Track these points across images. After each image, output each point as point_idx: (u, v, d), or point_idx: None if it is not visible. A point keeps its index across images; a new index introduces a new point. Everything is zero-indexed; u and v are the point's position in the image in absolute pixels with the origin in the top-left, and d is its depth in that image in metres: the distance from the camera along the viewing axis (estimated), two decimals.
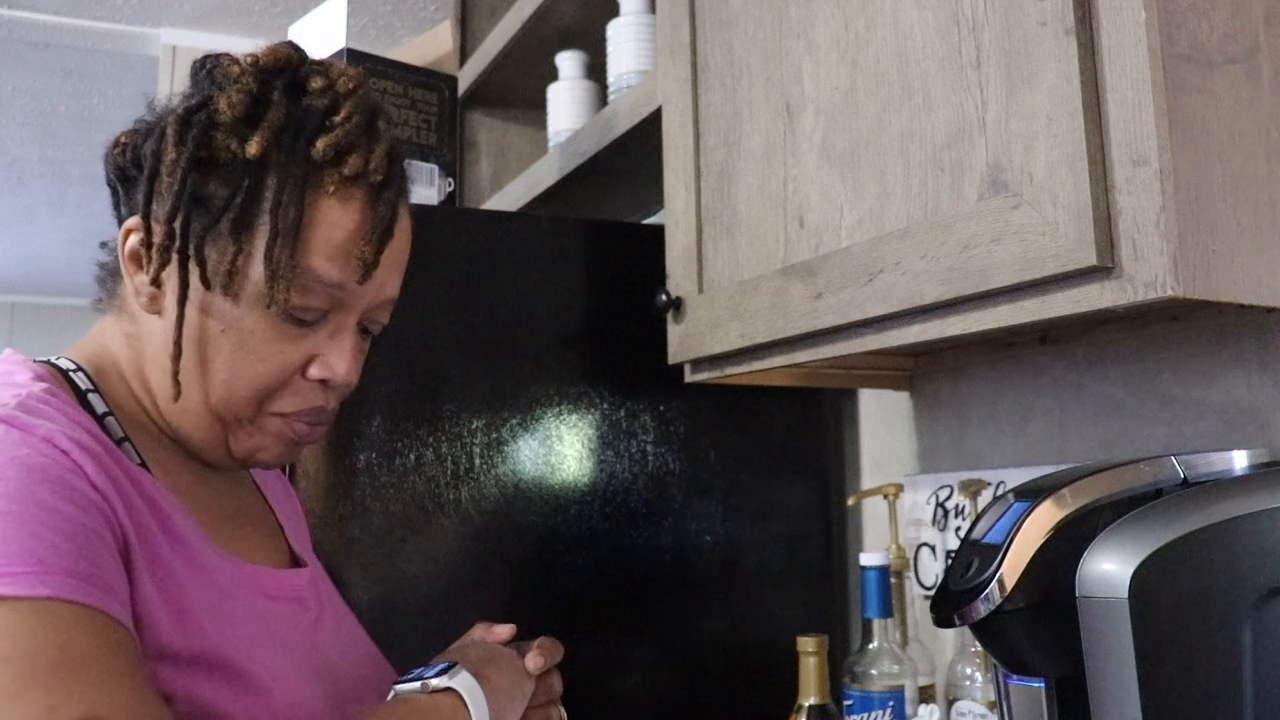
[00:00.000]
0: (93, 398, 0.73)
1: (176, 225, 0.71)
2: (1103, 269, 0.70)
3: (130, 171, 0.76)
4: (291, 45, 0.76)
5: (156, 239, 0.72)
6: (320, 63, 0.77)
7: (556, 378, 1.27)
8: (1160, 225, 0.67)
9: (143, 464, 0.72)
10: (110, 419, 0.72)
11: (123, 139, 0.77)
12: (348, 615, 0.88)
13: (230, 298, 0.72)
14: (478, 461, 1.22)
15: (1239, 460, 0.76)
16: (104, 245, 0.80)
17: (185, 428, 0.75)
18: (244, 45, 2.39)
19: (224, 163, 0.71)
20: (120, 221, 0.77)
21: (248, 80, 0.73)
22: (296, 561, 0.86)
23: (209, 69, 0.76)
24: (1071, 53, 0.71)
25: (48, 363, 0.74)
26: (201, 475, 0.80)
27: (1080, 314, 0.73)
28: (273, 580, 0.78)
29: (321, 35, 1.42)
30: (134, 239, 0.74)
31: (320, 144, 0.72)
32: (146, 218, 0.73)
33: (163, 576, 0.66)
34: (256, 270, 0.71)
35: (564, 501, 1.26)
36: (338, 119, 0.74)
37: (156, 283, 0.72)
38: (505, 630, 0.89)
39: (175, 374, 0.72)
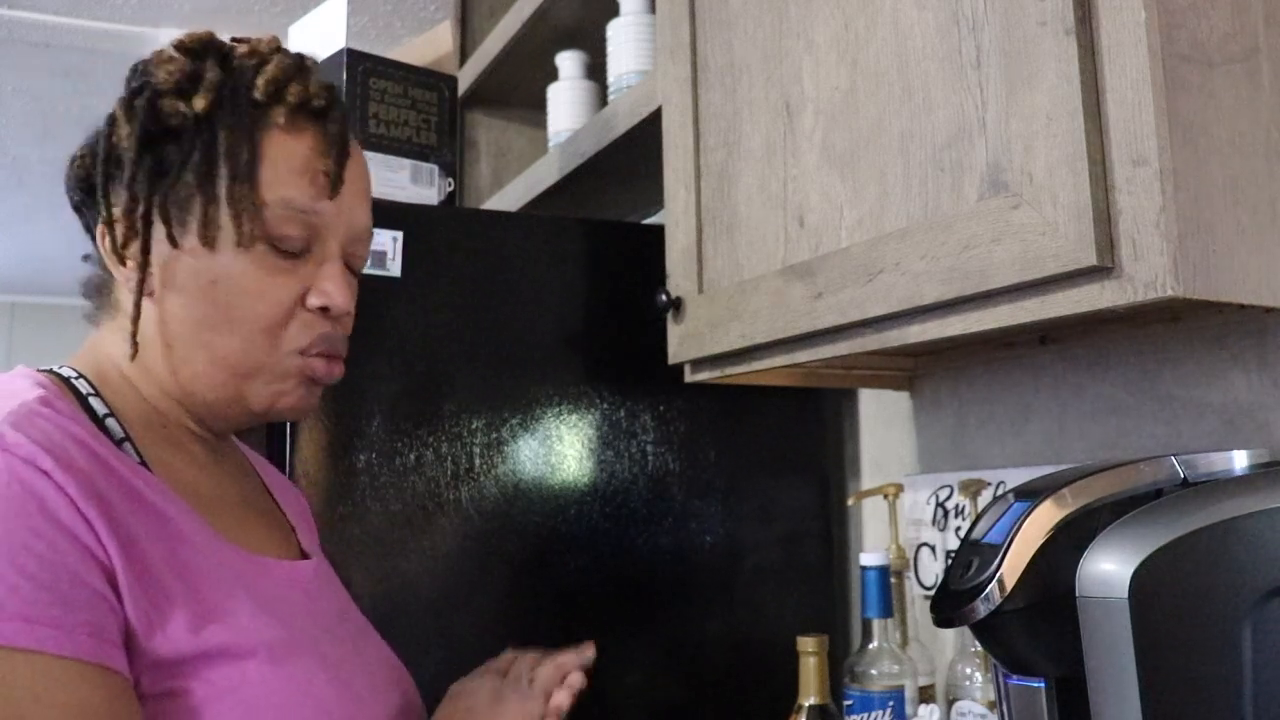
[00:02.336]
0: (94, 401, 0.74)
1: (139, 190, 0.74)
2: (1103, 269, 0.70)
3: (93, 177, 0.78)
4: (209, 31, 0.81)
5: (119, 209, 0.75)
6: (239, 37, 0.81)
7: (556, 378, 1.27)
8: (1160, 225, 0.67)
9: (143, 463, 0.72)
10: (111, 420, 0.73)
11: (78, 153, 0.80)
12: (356, 612, 0.88)
13: (210, 249, 0.75)
14: (478, 461, 1.22)
15: (1239, 460, 0.76)
16: (87, 258, 0.82)
17: (202, 393, 0.77)
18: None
19: (174, 127, 0.75)
20: (94, 235, 0.80)
21: (179, 57, 0.77)
22: (304, 556, 0.87)
23: (140, 65, 0.80)
24: (1071, 53, 0.71)
25: (50, 372, 0.75)
26: (207, 468, 0.80)
27: (1080, 314, 0.73)
28: (280, 571, 0.78)
29: (321, 35, 1.42)
30: (109, 231, 0.76)
31: (259, 83, 0.76)
32: (109, 202, 0.76)
33: (159, 583, 0.66)
34: (226, 214, 0.75)
35: (564, 501, 1.26)
36: (269, 64, 0.78)
37: (138, 260, 0.74)
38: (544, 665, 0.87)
39: (134, 335, 0.75)
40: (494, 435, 1.23)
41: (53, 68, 2.72)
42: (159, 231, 0.75)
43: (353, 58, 1.36)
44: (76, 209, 0.82)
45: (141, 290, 0.75)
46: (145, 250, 0.75)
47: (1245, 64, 0.75)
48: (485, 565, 1.21)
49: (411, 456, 1.19)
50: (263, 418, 0.81)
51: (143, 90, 0.76)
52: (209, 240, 0.75)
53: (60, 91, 2.88)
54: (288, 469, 1.13)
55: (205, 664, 0.66)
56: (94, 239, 0.80)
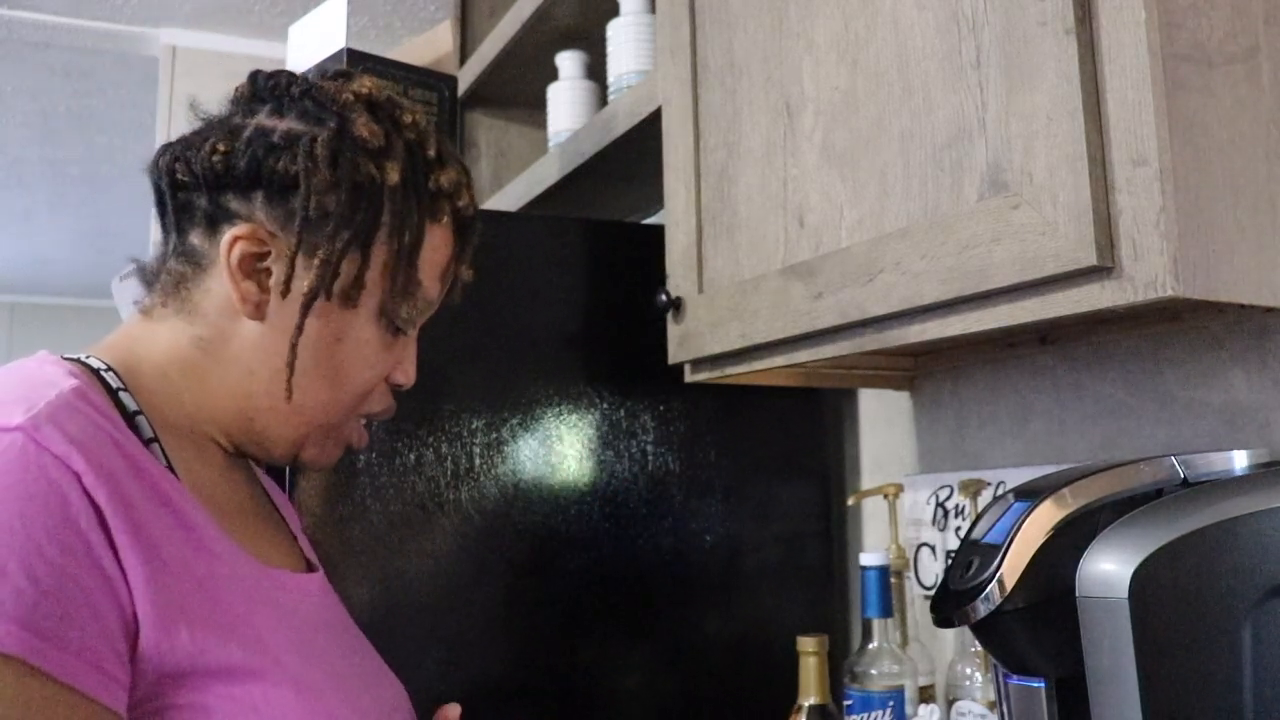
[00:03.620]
0: (124, 396, 0.72)
1: (335, 243, 0.76)
2: (1103, 269, 0.70)
3: (234, 179, 0.76)
4: (370, 77, 0.84)
5: (303, 252, 0.76)
6: (390, 97, 0.83)
7: (556, 378, 1.27)
8: (1160, 225, 0.67)
9: (169, 465, 0.71)
10: (141, 418, 0.72)
11: (220, 145, 0.77)
12: (355, 626, 0.88)
13: (350, 308, 0.78)
14: (478, 461, 1.22)
15: (1239, 460, 0.76)
16: (180, 251, 0.79)
17: (266, 426, 0.78)
18: (244, 45, 2.39)
19: (365, 186, 0.77)
20: (175, 226, 0.79)
21: (363, 111, 0.79)
22: (310, 568, 0.86)
23: (305, 91, 0.79)
24: (1071, 53, 0.71)
25: (78, 361, 0.73)
26: (225, 476, 0.79)
27: (1080, 314, 0.73)
28: (293, 584, 0.78)
29: (321, 35, 1.42)
30: (246, 246, 0.75)
31: (443, 178, 0.81)
32: (294, 234, 0.76)
33: (179, 593, 0.65)
34: (377, 284, 0.78)
35: (564, 501, 1.26)
36: (443, 155, 0.82)
37: (286, 292, 0.76)
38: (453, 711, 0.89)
39: (289, 377, 0.77)
40: (494, 435, 1.23)
41: (53, 68, 2.72)
42: (312, 275, 0.76)
43: (353, 58, 1.36)
44: (175, 189, 0.79)
45: (300, 333, 0.76)
46: (314, 296, 0.76)
47: (1245, 64, 0.75)
48: (485, 565, 1.21)
49: (411, 456, 1.19)
50: (296, 465, 0.83)
51: (343, 136, 0.77)
52: (353, 300, 0.77)
53: (60, 91, 2.88)
54: (287, 470, 1.13)
55: (224, 678, 0.65)
56: (179, 228, 0.78)
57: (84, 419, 0.65)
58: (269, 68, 0.83)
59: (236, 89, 0.82)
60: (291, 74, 0.81)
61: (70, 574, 0.59)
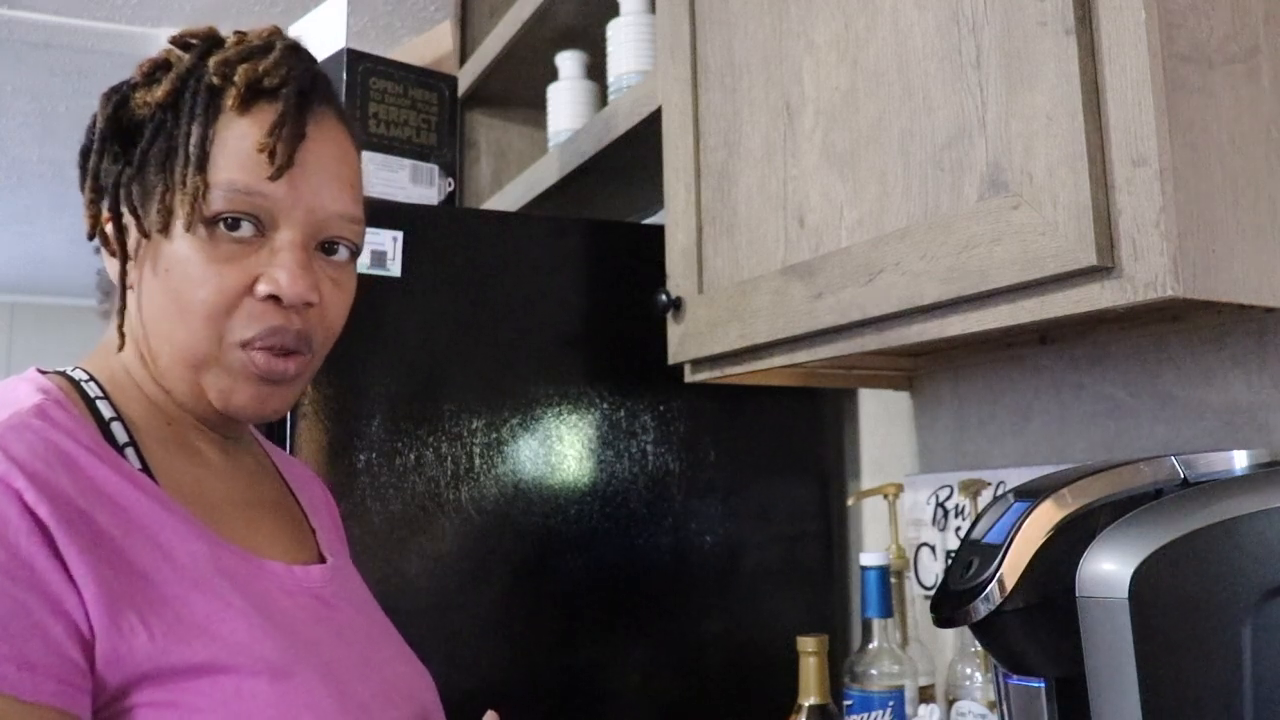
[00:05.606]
0: (101, 405, 0.73)
1: (105, 179, 0.76)
2: (1103, 269, 0.70)
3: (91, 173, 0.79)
4: (210, 26, 0.81)
5: (87, 195, 0.76)
6: (241, 30, 0.81)
7: (556, 378, 1.27)
8: (1160, 225, 0.67)
9: (146, 469, 0.71)
10: (116, 424, 0.72)
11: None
12: (376, 618, 0.87)
13: (166, 236, 0.74)
14: (478, 461, 1.22)
15: (1239, 460, 0.76)
16: (98, 252, 0.82)
17: (173, 387, 0.77)
18: None
19: (141, 118, 0.76)
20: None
21: (160, 53, 0.79)
22: (321, 559, 0.85)
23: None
24: (1071, 53, 0.71)
25: (62, 374, 0.75)
26: (215, 468, 0.79)
27: (1080, 314, 0.73)
28: (286, 576, 0.77)
29: (321, 35, 1.42)
30: (90, 226, 0.77)
31: (212, 64, 0.76)
32: (85, 191, 0.77)
33: (142, 597, 0.65)
34: (179, 199, 0.74)
35: (564, 501, 1.26)
36: (228, 48, 0.78)
37: (118, 249, 0.75)
38: None
39: (121, 326, 0.75)
40: (494, 435, 1.23)
41: (53, 68, 2.72)
42: (131, 221, 0.76)
43: (353, 58, 1.36)
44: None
45: (125, 280, 0.75)
46: (121, 239, 0.76)
47: (1245, 64, 0.75)
48: (485, 565, 1.21)
49: (411, 456, 1.19)
50: (222, 415, 0.78)
51: (121, 86, 0.78)
52: (164, 227, 0.74)
53: (60, 91, 2.88)
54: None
55: (193, 674, 0.65)
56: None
57: (33, 437, 0.65)
58: None
59: None
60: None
61: (8, 593, 0.60)
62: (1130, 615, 0.64)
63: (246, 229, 0.74)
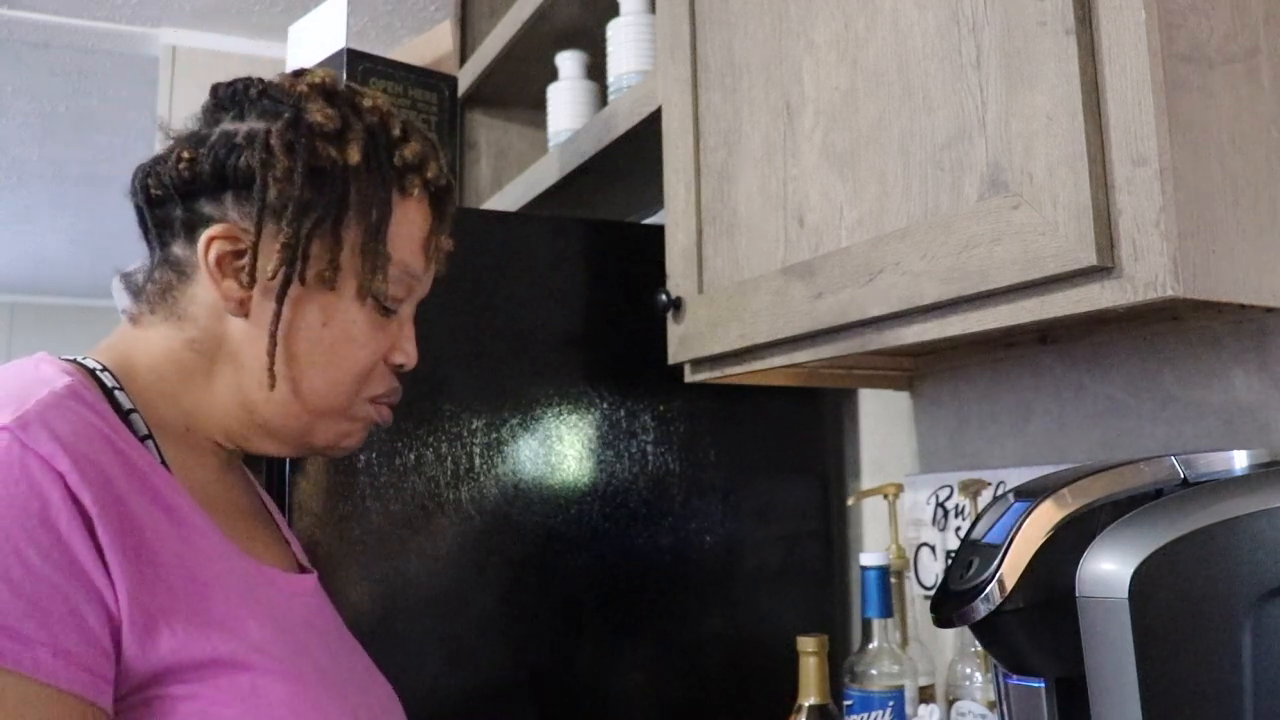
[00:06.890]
0: (119, 395, 0.73)
1: (298, 227, 0.77)
2: (1103, 269, 0.70)
3: (202, 183, 0.78)
4: (324, 69, 0.85)
5: (270, 241, 0.76)
6: (348, 85, 0.85)
7: (556, 378, 1.27)
8: (1160, 225, 0.67)
9: (163, 463, 0.72)
10: (135, 416, 0.73)
11: (185, 154, 0.79)
12: (343, 627, 0.89)
13: (330, 291, 0.79)
14: (478, 461, 1.22)
15: (1239, 460, 0.76)
16: (165, 262, 0.81)
17: (269, 418, 0.79)
18: (244, 45, 2.39)
19: (327, 170, 0.78)
20: (157, 239, 0.80)
21: (318, 98, 0.80)
22: (302, 570, 0.87)
23: (261, 92, 0.81)
24: (1071, 53, 0.71)
25: (74, 361, 0.75)
26: (221, 476, 0.81)
27: (1080, 314, 0.73)
28: (287, 584, 0.79)
29: (321, 35, 1.42)
30: (222, 246, 0.77)
31: (406, 154, 0.82)
32: (255, 224, 0.76)
33: (168, 587, 0.65)
34: (353, 265, 0.79)
35: (564, 501, 1.26)
36: (407, 131, 0.83)
37: (276, 290, 0.77)
38: None
39: (270, 366, 0.77)
40: (494, 435, 1.23)
41: (53, 68, 2.72)
42: (295, 263, 0.77)
43: (353, 58, 1.36)
44: (150, 204, 0.81)
45: (278, 321, 0.77)
46: (288, 282, 0.77)
47: (1245, 64, 0.75)
48: (485, 565, 1.21)
49: (411, 456, 1.19)
50: (314, 452, 0.84)
51: (298, 125, 0.78)
52: (330, 282, 0.78)
53: (60, 91, 2.88)
54: (288, 469, 1.13)
55: (213, 670, 0.66)
56: (161, 240, 0.80)
57: (75, 417, 0.65)
58: (269, 68, 0.85)
59: (202, 105, 0.84)
60: (249, 79, 0.83)
61: (45, 576, 0.60)
62: (1130, 615, 0.64)
63: (398, 306, 0.83)
